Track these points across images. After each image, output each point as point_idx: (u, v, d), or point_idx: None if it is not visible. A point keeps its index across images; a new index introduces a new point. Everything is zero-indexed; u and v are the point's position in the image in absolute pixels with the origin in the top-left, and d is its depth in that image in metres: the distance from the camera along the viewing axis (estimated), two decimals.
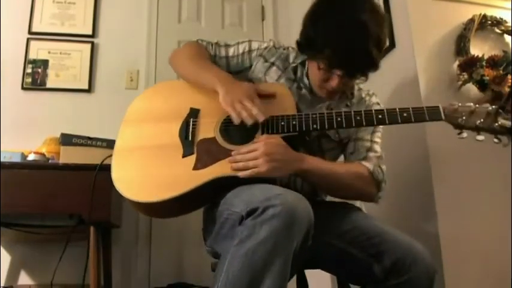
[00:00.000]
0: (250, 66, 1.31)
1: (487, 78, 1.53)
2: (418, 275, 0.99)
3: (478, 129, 1.02)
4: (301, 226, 0.88)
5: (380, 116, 1.06)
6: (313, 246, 0.99)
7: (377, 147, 1.24)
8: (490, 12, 1.70)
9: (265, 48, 1.31)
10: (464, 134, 1.04)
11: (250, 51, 1.31)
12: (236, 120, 1.09)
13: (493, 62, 1.58)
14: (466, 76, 1.57)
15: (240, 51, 1.32)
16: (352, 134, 1.25)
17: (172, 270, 2.46)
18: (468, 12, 1.69)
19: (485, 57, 1.58)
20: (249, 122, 1.07)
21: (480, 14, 1.67)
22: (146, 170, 1.12)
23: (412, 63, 1.61)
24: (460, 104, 1.04)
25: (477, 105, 1.04)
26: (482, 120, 1.01)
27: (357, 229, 1.09)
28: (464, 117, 1.03)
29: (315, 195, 1.28)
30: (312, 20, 1.16)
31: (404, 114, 1.05)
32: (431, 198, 1.47)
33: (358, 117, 1.07)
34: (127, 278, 2.42)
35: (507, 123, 1.00)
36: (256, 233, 0.84)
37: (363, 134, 1.24)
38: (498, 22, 1.70)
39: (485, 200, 1.50)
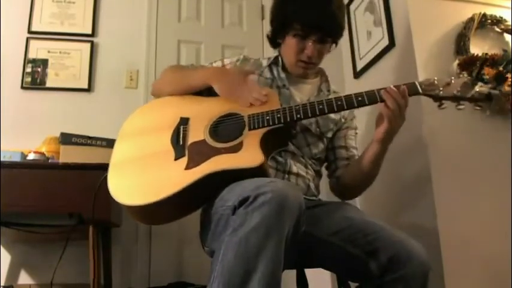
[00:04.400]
0: None
1: (487, 77, 1.53)
2: (413, 271, 1.00)
3: (457, 99, 1.08)
4: (292, 211, 0.90)
5: (360, 98, 1.13)
6: (310, 243, 0.99)
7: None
8: (490, 11, 1.70)
9: (237, 60, 1.39)
10: (445, 105, 1.09)
11: (223, 66, 1.37)
12: (246, 105, 1.19)
13: (492, 61, 1.58)
14: (465, 75, 1.57)
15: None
16: (332, 128, 1.34)
17: (172, 269, 2.46)
18: (468, 11, 1.69)
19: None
20: (257, 103, 1.18)
21: (480, 13, 1.67)
22: (140, 175, 1.14)
23: (412, 62, 1.61)
24: (436, 78, 1.10)
25: (452, 77, 1.10)
26: (459, 89, 1.07)
27: (353, 227, 1.10)
28: (441, 89, 1.08)
29: (311, 195, 1.29)
30: (279, 3, 1.32)
31: (382, 92, 1.11)
32: (430, 197, 1.47)
33: (339, 102, 1.14)
34: (127, 277, 2.41)
35: (484, 89, 1.05)
36: (248, 220, 0.86)
37: (351, 142, 1.36)
38: (498, 21, 1.70)
39: (485, 197, 1.50)
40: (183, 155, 1.13)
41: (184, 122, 1.23)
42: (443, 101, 1.09)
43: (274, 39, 1.36)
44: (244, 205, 0.88)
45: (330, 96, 1.32)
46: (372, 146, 1.20)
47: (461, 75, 1.11)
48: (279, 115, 1.14)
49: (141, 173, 1.14)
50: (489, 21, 1.69)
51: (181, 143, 1.17)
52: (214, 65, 1.38)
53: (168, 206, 1.08)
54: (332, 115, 1.32)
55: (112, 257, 2.22)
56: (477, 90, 1.05)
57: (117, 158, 1.21)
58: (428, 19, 1.67)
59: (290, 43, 1.28)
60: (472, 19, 1.66)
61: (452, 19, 1.69)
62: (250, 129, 1.14)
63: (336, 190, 1.36)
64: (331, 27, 1.26)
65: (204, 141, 1.16)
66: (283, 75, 1.34)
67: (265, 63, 1.39)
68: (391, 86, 1.10)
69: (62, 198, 1.76)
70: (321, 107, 1.14)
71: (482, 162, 1.53)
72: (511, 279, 1.40)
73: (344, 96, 1.14)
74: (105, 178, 1.17)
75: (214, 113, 1.22)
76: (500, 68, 1.55)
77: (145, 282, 2.41)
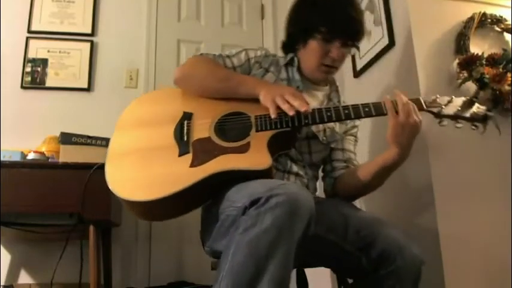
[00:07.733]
0: (249, 73, 1.34)
1: (487, 76, 1.53)
2: (405, 265, 1.01)
3: (456, 118, 1.11)
4: (304, 214, 0.90)
5: (367, 109, 1.14)
6: (306, 241, 0.99)
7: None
8: (490, 10, 1.70)
9: (260, 55, 1.35)
10: (445, 122, 1.13)
11: (249, 59, 1.35)
12: (275, 115, 1.10)
13: (492, 60, 1.57)
14: (465, 74, 1.57)
15: (243, 60, 1.34)
16: (338, 140, 1.34)
17: (172, 268, 2.47)
18: (468, 10, 1.69)
19: (485, 55, 1.58)
20: (291, 113, 1.09)
21: (480, 12, 1.67)
22: (142, 170, 1.12)
23: (412, 61, 1.60)
24: (438, 96, 1.15)
25: (453, 96, 1.15)
26: (459, 109, 1.11)
27: (348, 223, 1.11)
28: (443, 107, 1.12)
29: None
30: (304, 5, 1.31)
31: (388, 103, 1.12)
32: (431, 197, 1.47)
33: (346, 111, 1.14)
34: (127, 277, 2.42)
35: (481, 110, 1.10)
36: (260, 221, 0.86)
37: (349, 146, 1.37)
38: (498, 20, 1.69)
39: (485, 197, 1.50)
40: (187, 152, 1.12)
41: (187, 116, 1.21)
42: (444, 119, 1.13)
43: (291, 44, 1.34)
44: (256, 206, 0.88)
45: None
46: (379, 157, 1.20)
47: (464, 97, 1.15)
48: (286, 118, 1.12)
49: (143, 167, 1.12)
50: (489, 20, 1.68)
51: (185, 138, 1.15)
52: (240, 55, 1.33)
53: (171, 203, 1.07)
54: (337, 129, 1.32)
55: (112, 256, 2.22)
56: (474, 110, 1.10)
57: (116, 150, 1.18)
58: (428, 18, 1.66)
59: (313, 47, 1.26)
60: (472, 18, 1.66)
61: (452, 18, 1.68)
62: (257, 131, 1.13)
63: (330, 192, 1.34)
64: (355, 32, 1.26)
65: (209, 138, 1.14)
66: (297, 77, 1.32)
67: (282, 61, 1.36)
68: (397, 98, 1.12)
69: (62, 198, 1.76)
70: (328, 114, 1.14)
71: (483, 162, 1.53)
72: (511, 279, 1.40)
73: (351, 105, 1.14)
74: (93, 174, 1.15)
75: (218, 110, 1.21)
76: (500, 68, 1.55)
77: (145, 282, 2.41)
